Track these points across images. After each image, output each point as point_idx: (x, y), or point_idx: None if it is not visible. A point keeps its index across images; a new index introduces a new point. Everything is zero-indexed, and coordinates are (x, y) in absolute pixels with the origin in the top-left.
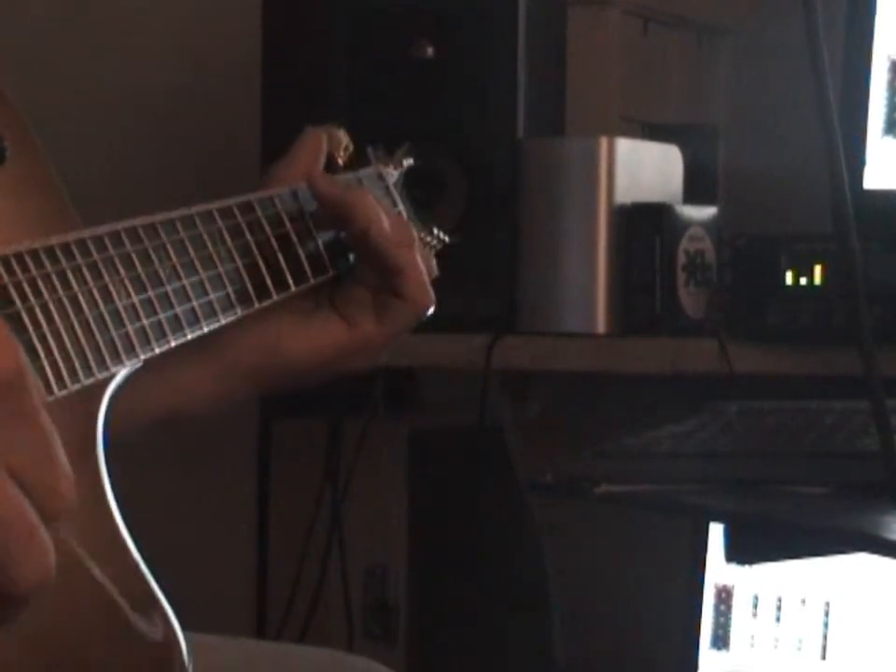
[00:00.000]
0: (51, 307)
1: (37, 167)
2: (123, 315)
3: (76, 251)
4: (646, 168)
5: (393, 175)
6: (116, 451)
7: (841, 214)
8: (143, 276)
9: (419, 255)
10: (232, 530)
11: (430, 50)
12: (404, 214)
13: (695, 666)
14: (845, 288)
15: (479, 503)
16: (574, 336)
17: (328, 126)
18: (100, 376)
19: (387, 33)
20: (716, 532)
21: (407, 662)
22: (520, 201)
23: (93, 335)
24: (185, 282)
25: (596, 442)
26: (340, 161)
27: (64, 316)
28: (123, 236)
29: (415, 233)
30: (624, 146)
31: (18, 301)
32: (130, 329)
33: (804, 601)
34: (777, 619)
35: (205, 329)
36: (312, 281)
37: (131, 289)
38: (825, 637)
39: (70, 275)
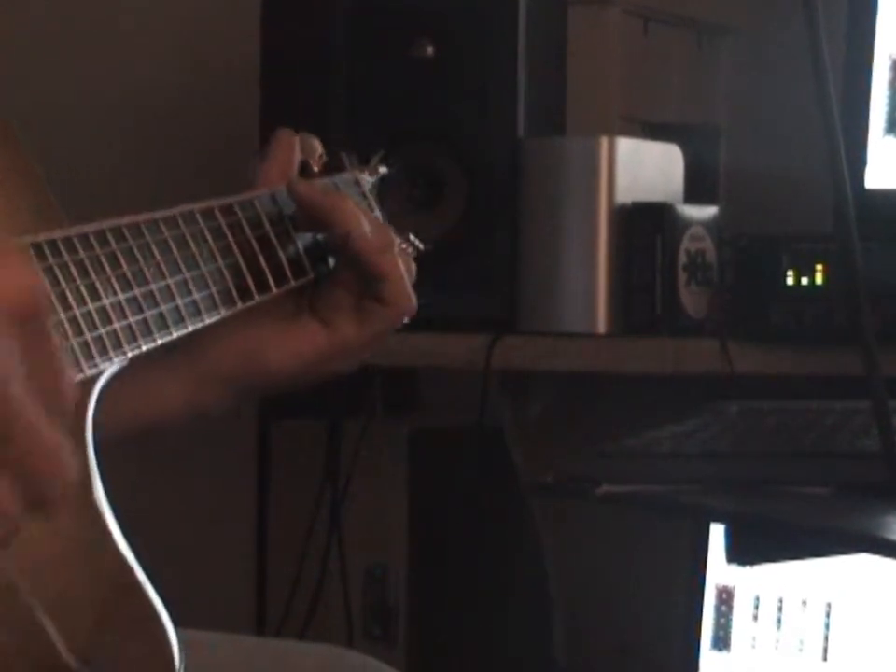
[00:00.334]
0: None
1: (20, 161)
2: (111, 312)
3: (62, 248)
4: (646, 168)
5: (369, 181)
6: (116, 451)
7: (842, 213)
8: (128, 275)
9: (400, 259)
10: (232, 530)
11: (430, 50)
12: (380, 219)
13: (696, 667)
14: (846, 288)
15: (479, 503)
16: (574, 336)
17: (301, 133)
18: (89, 372)
19: (387, 33)
20: (717, 532)
21: (407, 662)
22: (520, 201)
23: (82, 331)
24: (169, 281)
25: (597, 442)
26: (315, 168)
27: (52, 312)
28: (108, 235)
29: (395, 238)
30: (625, 145)
31: None
32: (117, 326)
33: (805, 602)
34: (779, 620)
35: (190, 328)
36: (293, 283)
37: (117, 287)
38: (826, 639)
39: (58, 272)
